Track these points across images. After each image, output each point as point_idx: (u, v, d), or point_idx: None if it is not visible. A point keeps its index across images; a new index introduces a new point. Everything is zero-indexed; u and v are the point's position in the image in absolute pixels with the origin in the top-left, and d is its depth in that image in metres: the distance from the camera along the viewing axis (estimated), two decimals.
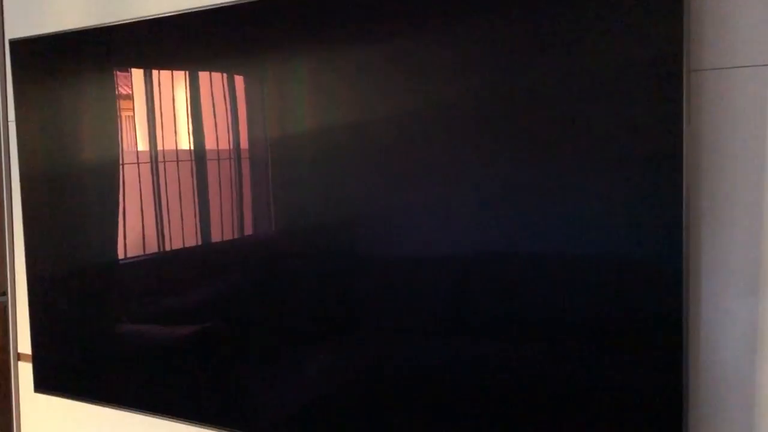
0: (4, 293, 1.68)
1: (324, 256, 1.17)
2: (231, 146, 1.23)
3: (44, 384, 1.52)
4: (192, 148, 1.27)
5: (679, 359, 0.90)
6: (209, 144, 1.26)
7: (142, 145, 1.34)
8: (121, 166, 1.36)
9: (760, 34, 0.90)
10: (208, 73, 1.25)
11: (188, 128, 1.28)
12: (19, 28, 1.59)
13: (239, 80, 1.22)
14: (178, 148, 1.30)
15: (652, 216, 0.91)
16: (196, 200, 1.28)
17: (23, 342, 1.67)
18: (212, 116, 1.25)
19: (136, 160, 1.34)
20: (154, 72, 1.31)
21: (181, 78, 1.28)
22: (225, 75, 1.24)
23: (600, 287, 0.95)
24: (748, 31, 0.90)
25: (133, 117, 1.34)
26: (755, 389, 0.94)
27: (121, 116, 1.35)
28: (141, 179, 1.34)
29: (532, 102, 0.97)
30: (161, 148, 1.31)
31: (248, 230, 1.25)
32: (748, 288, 0.93)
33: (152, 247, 1.35)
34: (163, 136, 1.31)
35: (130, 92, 1.34)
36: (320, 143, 1.14)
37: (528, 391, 1.01)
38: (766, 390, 0.93)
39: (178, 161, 1.29)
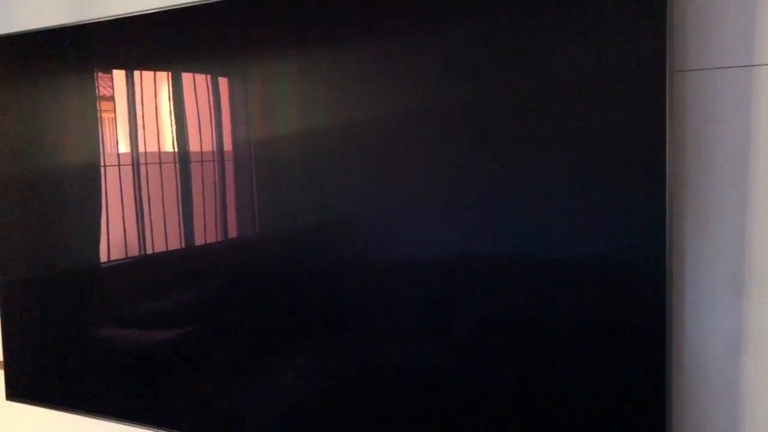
0: None
1: (309, 260, 1.15)
2: (214, 148, 1.21)
3: (16, 392, 1.49)
4: (173, 149, 1.25)
5: (662, 361, 0.90)
6: (190, 146, 1.23)
7: (120, 147, 1.31)
8: (95, 168, 1.33)
9: (744, 35, 0.90)
10: (191, 74, 1.23)
11: (170, 129, 1.25)
12: None
13: (222, 81, 1.21)
14: (153, 150, 1.27)
15: (635, 217, 0.90)
16: (178, 203, 1.26)
17: None
18: (195, 117, 1.23)
19: (112, 162, 1.32)
20: (132, 72, 1.29)
21: (158, 78, 1.26)
22: (208, 76, 1.22)
23: (582, 289, 0.94)
24: (732, 32, 0.90)
25: (111, 118, 1.32)
26: (739, 392, 0.93)
27: (98, 117, 1.33)
28: (117, 182, 1.31)
29: (512, 103, 0.96)
30: (139, 150, 1.29)
31: (231, 233, 1.23)
32: (732, 289, 0.92)
33: (129, 252, 1.32)
34: (143, 138, 1.28)
35: (106, 93, 1.31)
36: (305, 145, 1.13)
37: (510, 392, 1.00)
38: (749, 392, 0.93)
39: (160, 163, 1.27)
